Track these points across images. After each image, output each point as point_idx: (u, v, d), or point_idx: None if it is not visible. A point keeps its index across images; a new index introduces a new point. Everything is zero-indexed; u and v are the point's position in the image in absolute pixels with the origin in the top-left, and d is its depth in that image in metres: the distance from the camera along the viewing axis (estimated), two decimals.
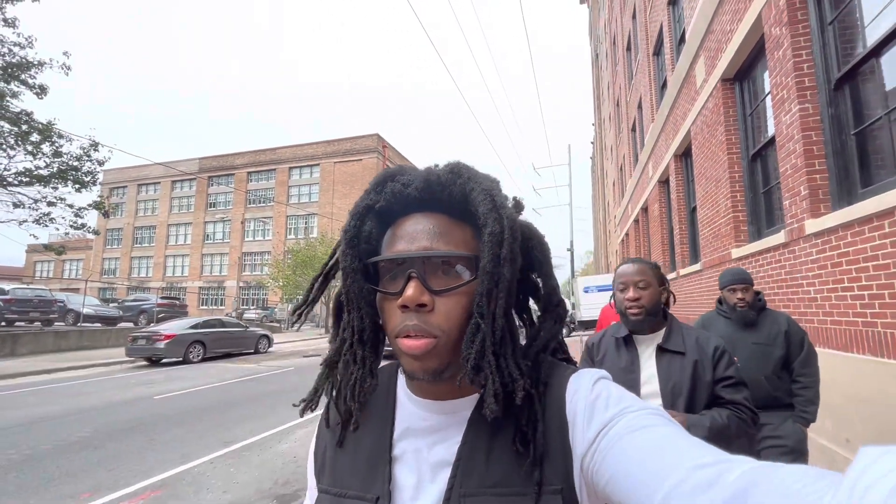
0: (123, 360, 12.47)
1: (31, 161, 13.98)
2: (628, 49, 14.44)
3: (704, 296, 6.45)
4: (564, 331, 0.64)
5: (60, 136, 14.17)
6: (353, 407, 0.55)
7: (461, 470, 0.50)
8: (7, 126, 13.25)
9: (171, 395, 7.71)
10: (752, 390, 1.90)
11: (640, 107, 12.51)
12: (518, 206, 0.58)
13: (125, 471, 4.15)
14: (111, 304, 22.35)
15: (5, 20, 13.00)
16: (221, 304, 39.72)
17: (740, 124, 5.22)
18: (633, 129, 14.18)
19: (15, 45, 13.20)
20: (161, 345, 11.67)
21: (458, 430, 0.53)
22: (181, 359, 12.14)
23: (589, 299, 18.09)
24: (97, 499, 3.57)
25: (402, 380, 0.60)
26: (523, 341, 0.57)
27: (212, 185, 42.86)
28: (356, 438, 0.57)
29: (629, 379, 1.58)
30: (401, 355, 0.52)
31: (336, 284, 0.59)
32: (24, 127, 13.40)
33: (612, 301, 1.72)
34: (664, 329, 1.63)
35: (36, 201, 14.52)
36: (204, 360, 12.69)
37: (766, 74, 4.25)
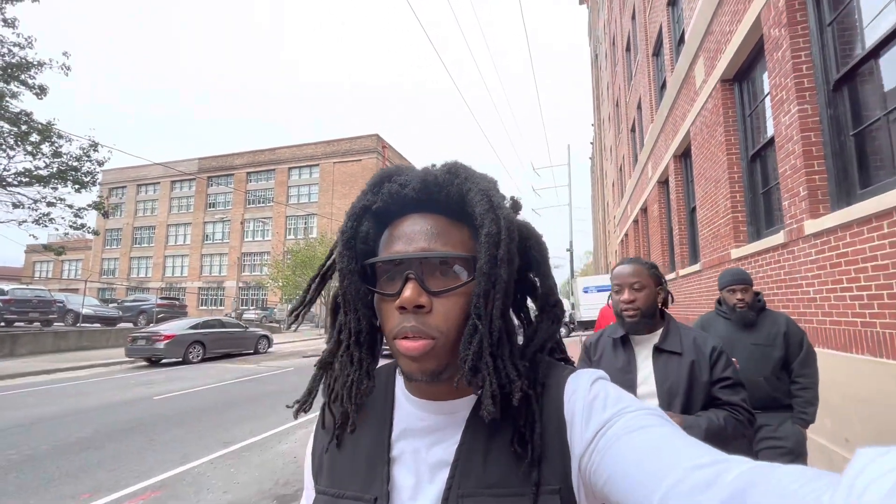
0: (123, 361, 12.47)
1: (30, 161, 14.01)
2: (627, 49, 14.44)
3: (704, 296, 6.45)
4: (563, 331, 0.64)
5: (60, 137, 14.18)
6: (350, 409, 0.55)
7: (459, 470, 0.50)
8: (7, 126, 13.25)
9: (170, 396, 7.71)
10: (752, 391, 1.90)
11: (639, 107, 12.51)
12: (515, 205, 0.58)
13: (125, 471, 4.15)
14: (110, 305, 22.29)
15: (5, 20, 13.00)
16: (221, 305, 39.67)
17: (739, 125, 5.23)
18: (633, 130, 14.18)
19: (15, 45, 13.21)
20: (161, 345, 11.68)
21: (457, 431, 0.53)
22: (181, 359, 12.15)
23: (588, 299, 18.14)
24: (97, 499, 3.56)
25: (399, 380, 0.60)
26: (521, 341, 0.57)
27: (211, 185, 42.82)
28: (354, 439, 0.57)
29: (626, 379, 1.58)
30: (399, 357, 0.51)
31: (336, 284, 0.59)
32: (24, 127, 13.41)
33: (610, 301, 1.72)
34: (661, 329, 1.63)
35: (35, 201, 14.53)
36: (203, 360, 12.69)
37: (766, 75, 4.25)
